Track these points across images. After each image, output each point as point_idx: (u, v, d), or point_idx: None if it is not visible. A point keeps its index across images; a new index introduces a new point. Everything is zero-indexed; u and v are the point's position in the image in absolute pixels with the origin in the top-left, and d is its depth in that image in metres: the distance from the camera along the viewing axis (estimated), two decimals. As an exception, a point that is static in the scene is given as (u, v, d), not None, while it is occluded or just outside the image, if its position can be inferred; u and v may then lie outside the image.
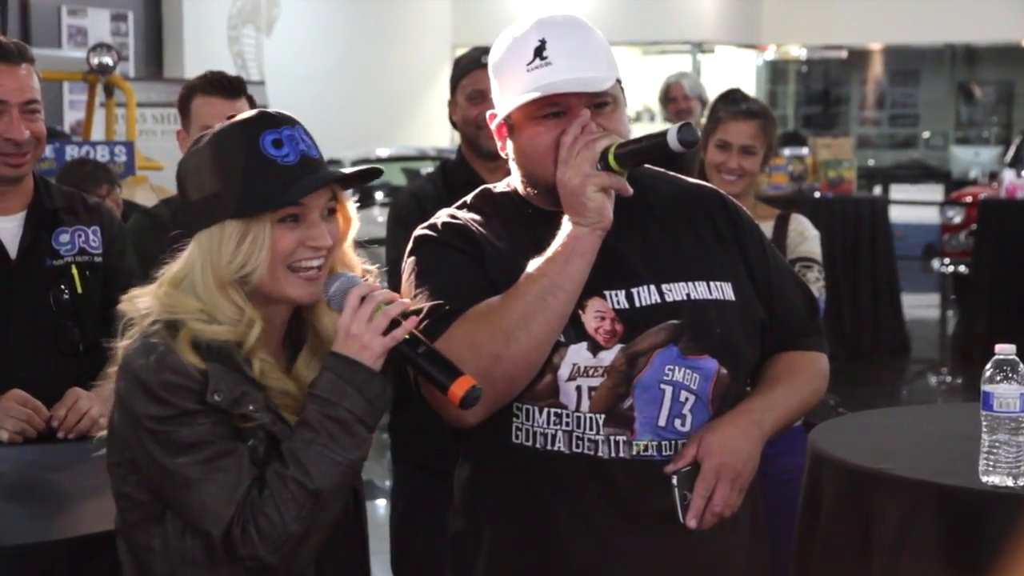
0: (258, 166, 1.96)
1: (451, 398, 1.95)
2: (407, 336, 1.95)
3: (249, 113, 2.04)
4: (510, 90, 2.17)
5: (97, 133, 7.80)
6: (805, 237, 3.55)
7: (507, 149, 2.23)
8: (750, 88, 16.41)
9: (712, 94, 6.36)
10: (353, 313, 1.95)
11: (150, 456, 1.92)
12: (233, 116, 2.04)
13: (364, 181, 2.02)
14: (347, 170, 2.01)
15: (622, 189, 2.13)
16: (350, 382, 1.92)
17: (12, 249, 2.92)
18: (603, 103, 2.15)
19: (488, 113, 2.25)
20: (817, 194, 9.56)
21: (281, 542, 1.89)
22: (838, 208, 9.46)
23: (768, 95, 18.01)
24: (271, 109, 2.06)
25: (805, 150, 9.91)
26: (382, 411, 1.96)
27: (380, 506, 6.30)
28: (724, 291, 2.22)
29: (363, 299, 1.96)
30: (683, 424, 2.16)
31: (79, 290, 2.94)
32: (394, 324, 1.95)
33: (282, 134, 1.99)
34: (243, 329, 1.97)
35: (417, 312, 2.06)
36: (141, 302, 2.00)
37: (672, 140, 2.05)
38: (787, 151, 9.77)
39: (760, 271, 2.29)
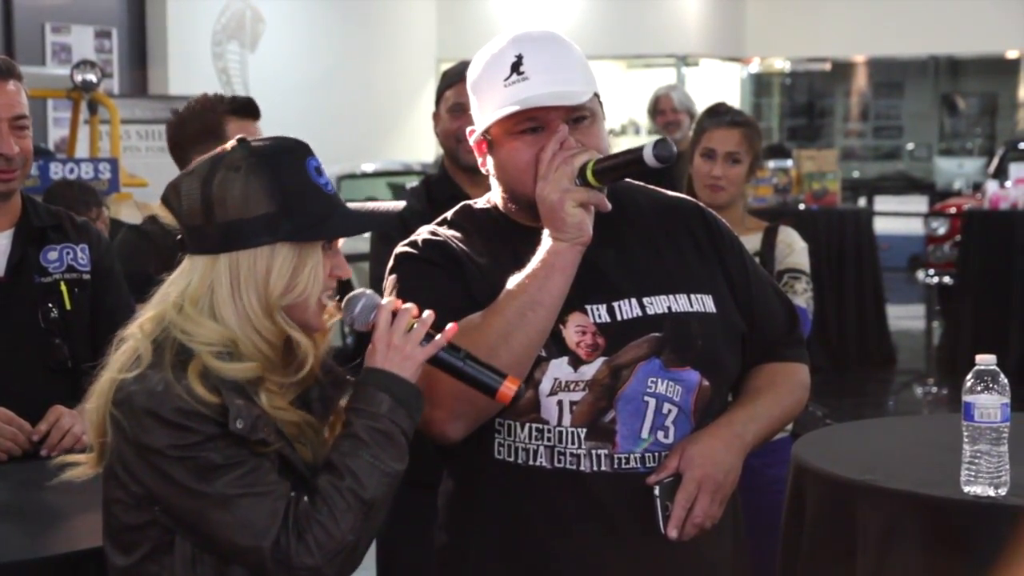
0: (311, 191, 1.96)
1: (501, 399, 1.99)
2: (445, 343, 1.99)
3: (283, 137, 2.03)
4: (488, 106, 2.18)
5: (81, 150, 7.79)
6: (793, 249, 3.57)
7: (487, 165, 2.24)
8: (735, 101, 16.44)
9: (697, 107, 6.38)
10: (389, 327, 1.97)
11: (174, 484, 1.89)
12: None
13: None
14: (379, 204, 2.05)
15: (601, 204, 2.14)
16: (392, 394, 1.94)
17: (0, 266, 2.93)
18: (581, 117, 2.16)
19: (468, 129, 2.26)
20: (802, 206, 9.60)
21: (337, 552, 1.89)
22: (823, 220, 9.50)
23: (752, 108, 18.05)
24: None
25: (789, 162, 9.95)
26: (417, 421, 1.99)
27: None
28: (705, 303, 2.23)
29: (394, 314, 1.98)
30: (666, 436, 2.17)
31: (68, 307, 2.94)
32: (429, 333, 1.98)
33: (318, 162, 2.00)
34: (271, 362, 1.95)
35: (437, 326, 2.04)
36: (147, 324, 1.97)
37: (648, 156, 2.06)
38: (771, 163, 9.81)
39: (740, 283, 2.31)
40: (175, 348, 1.93)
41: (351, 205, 2.03)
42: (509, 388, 1.98)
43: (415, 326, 1.97)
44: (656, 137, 2.11)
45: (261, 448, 1.91)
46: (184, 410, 1.88)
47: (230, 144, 2.00)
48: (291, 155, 1.98)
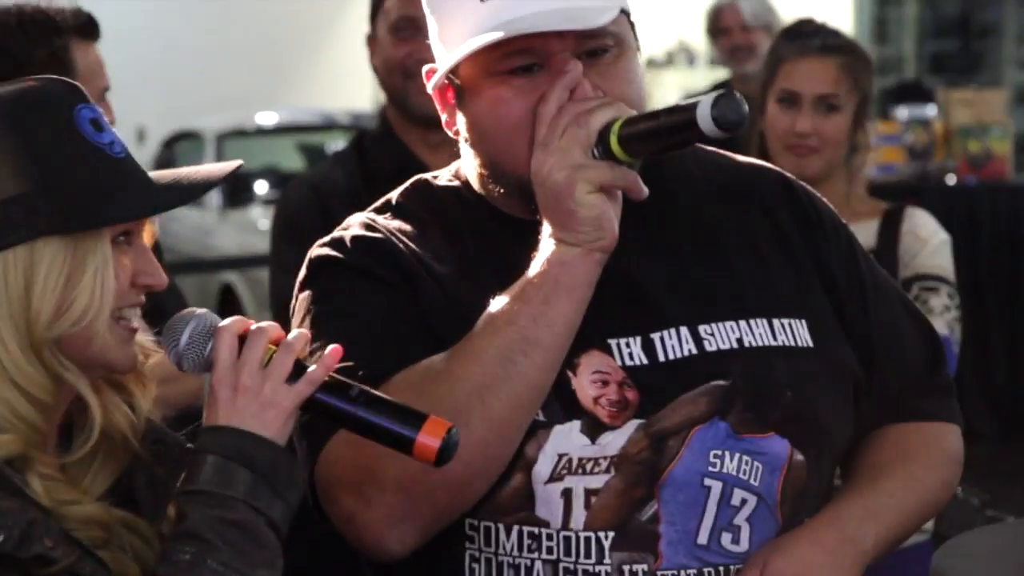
0: (85, 156, 1.98)
1: (421, 454, 1.96)
2: (327, 378, 1.98)
3: (46, 78, 2.05)
4: (456, 32, 2.20)
5: None
6: (927, 244, 3.61)
7: (456, 123, 2.26)
8: (845, 14, 16.51)
9: (782, 21, 6.41)
10: (232, 359, 1.98)
11: None
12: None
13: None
14: (199, 169, 2.08)
15: (632, 189, 2.15)
16: (248, 465, 1.95)
17: None
18: (601, 48, 2.19)
19: (425, 68, 2.28)
20: (951, 179, 9.62)
21: None
22: (985, 201, 9.51)
23: (874, 24, 18.12)
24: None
25: (932, 110, 9.98)
26: (295, 506, 1.99)
27: None
28: (796, 333, 2.27)
29: (242, 338, 1.99)
30: (736, 541, 2.21)
31: None
32: (299, 366, 1.98)
33: (96, 112, 2.02)
34: (39, 433, 1.96)
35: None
36: None
37: (704, 119, 2.03)
38: (903, 111, 9.83)
39: (853, 299, 2.34)
40: None
41: (157, 174, 2.05)
42: (430, 439, 1.95)
43: (274, 355, 1.98)
44: (717, 91, 2.05)
45: (41, 570, 1.91)
46: None
47: None
48: (50, 106, 2.00)
